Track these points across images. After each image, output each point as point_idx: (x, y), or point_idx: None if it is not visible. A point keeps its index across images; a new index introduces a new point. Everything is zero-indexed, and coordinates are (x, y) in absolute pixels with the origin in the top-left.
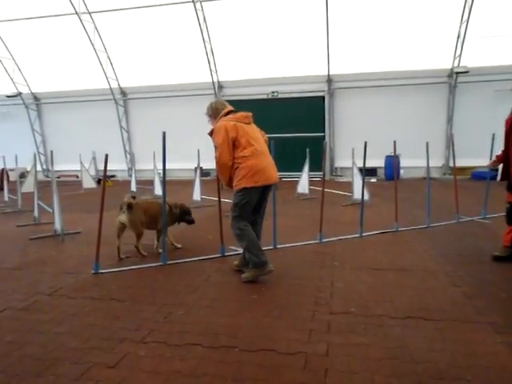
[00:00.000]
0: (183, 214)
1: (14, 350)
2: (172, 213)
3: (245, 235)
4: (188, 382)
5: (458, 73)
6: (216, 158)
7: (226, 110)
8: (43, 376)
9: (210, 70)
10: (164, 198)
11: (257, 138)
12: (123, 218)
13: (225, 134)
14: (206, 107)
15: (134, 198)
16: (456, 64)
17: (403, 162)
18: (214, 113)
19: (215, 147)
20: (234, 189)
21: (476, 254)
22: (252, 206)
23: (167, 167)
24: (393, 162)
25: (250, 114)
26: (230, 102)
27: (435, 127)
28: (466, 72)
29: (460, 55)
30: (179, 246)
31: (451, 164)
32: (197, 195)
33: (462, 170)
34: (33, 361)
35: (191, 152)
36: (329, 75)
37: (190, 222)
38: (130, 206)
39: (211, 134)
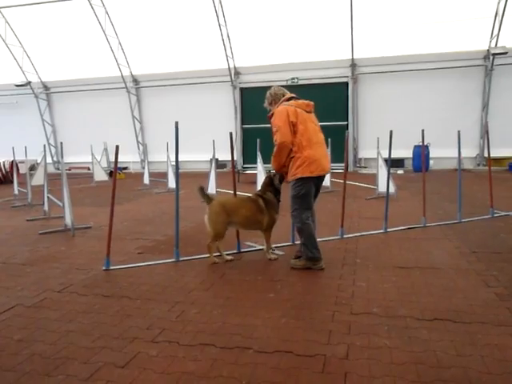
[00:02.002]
0: (274, 184)
1: (24, 349)
2: (269, 203)
3: (305, 230)
4: None
5: (494, 54)
6: (275, 140)
7: (287, 96)
8: (52, 375)
9: (226, 56)
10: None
11: (314, 127)
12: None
13: (286, 117)
14: (266, 96)
15: (202, 188)
16: (493, 44)
17: (433, 153)
18: (274, 98)
19: (274, 131)
20: (289, 180)
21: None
22: (310, 195)
23: (181, 159)
24: (421, 153)
25: (312, 102)
26: (247, 90)
27: (469, 114)
28: (504, 53)
29: (497, 35)
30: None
31: (486, 154)
32: (212, 188)
33: (498, 160)
34: (42, 359)
35: (206, 142)
36: (352, 59)
37: (282, 180)
38: (209, 202)
39: (271, 117)
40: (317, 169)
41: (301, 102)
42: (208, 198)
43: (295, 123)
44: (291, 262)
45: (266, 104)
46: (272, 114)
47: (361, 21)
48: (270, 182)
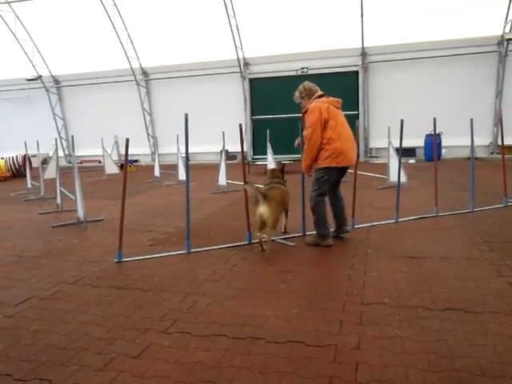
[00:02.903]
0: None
1: (39, 339)
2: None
3: (317, 209)
4: (213, 374)
5: (509, 40)
6: (306, 136)
7: (319, 93)
8: (67, 365)
9: (235, 47)
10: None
11: (343, 122)
12: (263, 209)
13: (319, 115)
14: (298, 90)
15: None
16: (507, 30)
17: (445, 141)
18: (308, 93)
19: (306, 126)
20: (317, 166)
21: None
22: (330, 182)
23: (191, 151)
24: (433, 142)
25: (341, 100)
26: (257, 80)
27: (482, 102)
28: None
29: None
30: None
31: (499, 142)
32: (222, 180)
33: None
34: (57, 350)
35: (216, 134)
36: (363, 48)
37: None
38: (265, 197)
39: (304, 113)
40: (343, 160)
41: (332, 99)
42: (265, 195)
43: (327, 119)
44: (305, 239)
45: (296, 96)
46: (306, 111)
47: (371, 8)
48: (282, 169)
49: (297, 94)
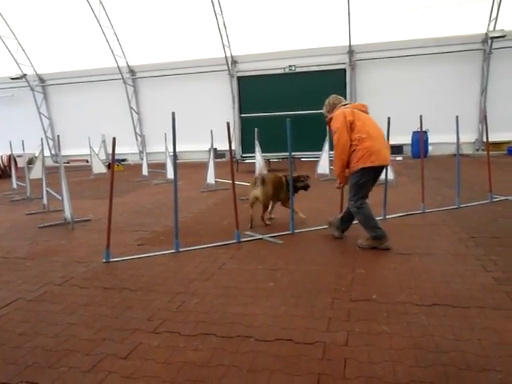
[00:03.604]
0: (295, 182)
1: (26, 342)
2: (288, 184)
3: (361, 214)
4: (202, 373)
5: (493, 38)
6: (334, 141)
7: (342, 103)
8: (55, 368)
9: (223, 45)
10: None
11: (371, 123)
12: (257, 192)
13: (343, 118)
14: (324, 104)
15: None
16: (491, 28)
17: (432, 138)
18: (332, 107)
19: (333, 134)
20: (351, 170)
21: (510, 236)
22: (368, 185)
23: (179, 149)
24: (420, 139)
25: (367, 104)
26: (245, 78)
27: (467, 99)
28: (503, 36)
29: (496, 18)
30: (304, 216)
31: (485, 139)
32: (211, 178)
33: (497, 145)
34: (44, 352)
35: (205, 132)
36: (350, 46)
37: (305, 187)
38: (263, 181)
39: (329, 122)
40: (377, 159)
41: (356, 103)
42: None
43: (352, 121)
44: (358, 242)
45: (324, 111)
46: (330, 119)
47: (358, 6)
48: (295, 179)
49: (324, 108)
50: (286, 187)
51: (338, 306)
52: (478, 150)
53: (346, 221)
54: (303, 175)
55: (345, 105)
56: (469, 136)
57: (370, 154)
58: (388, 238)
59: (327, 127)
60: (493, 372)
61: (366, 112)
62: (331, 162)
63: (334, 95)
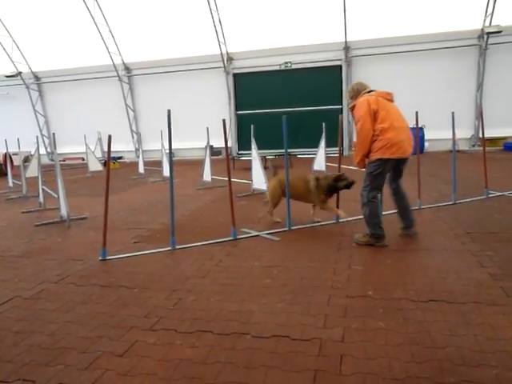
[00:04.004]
0: (336, 181)
1: (22, 340)
2: (319, 185)
3: (369, 207)
4: (199, 370)
5: (489, 33)
6: (357, 130)
7: (367, 90)
8: (51, 365)
9: (219, 42)
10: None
11: (396, 113)
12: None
13: (367, 107)
14: (347, 90)
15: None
16: (487, 23)
17: (428, 135)
18: (356, 94)
19: (356, 121)
20: (369, 159)
21: (506, 231)
22: (384, 177)
23: (176, 146)
24: (415, 135)
25: (392, 92)
26: (241, 75)
27: (463, 95)
28: (499, 32)
29: (492, 13)
30: (343, 214)
31: (481, 135)
32: (207, 175)
33: (493, 140)
34: (41, 350)
35: (201, 130)
36: (346, 42)
37: (349, 186)
38: (274, 175)
39: (352, 108)
40: (397, 151)
41: (381, 91)
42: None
43: (376, 110)
44: (354, 237)
45: (347, 97)
46: (353, 106)
47: (353, 2)
48: (336, 178)
49: (347, 93)
50: (315, 188)
51: (335, 303)
52: (474, 145)
53: (404, 216)
54: (341, 173)
55: (370, 91)
56: (465, 132)
57: (391, 145)
58: (385, 238)
59: (350, 115)
60: (488, 367)
61: (392, 100)
62: (328, 159)
63: (358, 81)
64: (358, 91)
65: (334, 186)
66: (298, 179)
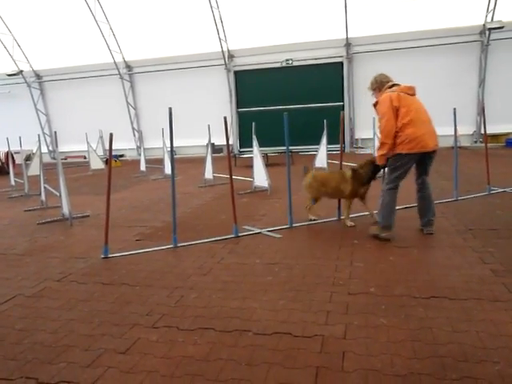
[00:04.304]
0: (375, 168)
1: (25, 338)
2: (358, 176)
3: (384, 198)
4: (201, 367)
5: (491, 29)
6: (381, 126)
7: (390, 83)
8: (54, 363)
9: (219, 39)
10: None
11: (418, 107)
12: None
13: (389, 104)
14: (370, 81)
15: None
16: (489, 19)
17: None
18: (379, 86)
19: (379, 118)
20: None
21: (508, 228)
22: (405, 171)
23: (177, 144)
24: None
25: (414, 86)
26: (242, 72)
27: (465, 91)
28: (501, 28)
29: (494, 9)
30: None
31: (483, 131)
32: (209, 173)
33: (496, 137)
34: (44, 348)
35: (202, 127)
36: (347, 39)
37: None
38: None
39: (375, 105)
40: (416, 146)
41: (403, 86)
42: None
43: (398, 107)
44: (369, 230)
45: (370, 88)
46: (376, 103)
47: None
48: (372, 163)
49: (369, 85)
50: (351, 180)
51: (337, 300)
52: (476, 142)
53: (424, 212)
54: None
55: (392, 86)
56: (467, 128)
57: (410, 140)
58: (392, 230)
59: (373, 110)
60: (490, 363)
61: (414, 94)
62: (329, 156)
63: (381, 73)
64: (382, 83)
65: (374, 172)
66: (333, 172)
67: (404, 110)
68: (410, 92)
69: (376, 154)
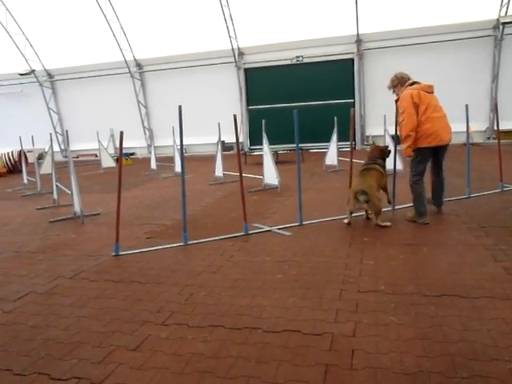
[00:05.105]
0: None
1: (38, 334)
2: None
3: (414, 188)
4: (210, 364)
5: (504, 23)
6: (403, 122)
7: (410, 81)
8: (66, 359)
9: (229, 37)
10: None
11: (435, 104)
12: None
13: (410, 100)
14: (390, 79)
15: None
16: (503, 13)
17: None
18: (400, 81)
19: (400, 112)
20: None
21: None
22: (425, 163)
23: (187, 142)
24: None
25: (433, 84)
26: (252, 70)
27: (478, 87)
28: None
29: (508, 2)
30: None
31: (496, 127)
32: (219, 171)
33: (509, 133)
34: (56, 344)
35: (212, 125)
36: (358, 35)
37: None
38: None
39: (397, 101)
40: (433, 140)
41: (423, 84)
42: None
43: (418, 104)
44: (406, 215)
45: (389, 85)
46: (398, 99)
47: None
48: (381, 151)
49: (389, 83)
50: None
51: (346, 298)
52: (489, 138)
53: (437, 195)
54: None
55: (412, 84)
56: (480, 124)
57: (427, 135)
58: (427, 216)
59: (395, 106)
60: (502, 362)
61: (432, 92)
62: (340, 153)
63: (400, 71)
64: (403, 79)
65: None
66: (368, 169)
67: (423, 107)
68: (429, 90)
69: (403, 150)
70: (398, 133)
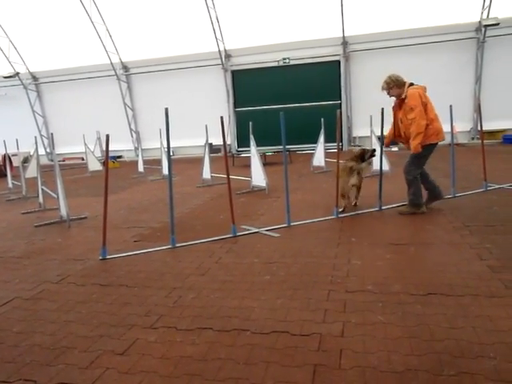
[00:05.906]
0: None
1: (23, 340)
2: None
3: (415, 183)
4: (199, 367)
5: (486, 26)
6: (417, 118)
7: (408, 82)
8: (53, 365)
9: (216, 39)
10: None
11: (433, 104)
12: (355, 180)
13: (419, 98)
14: (385, 81)
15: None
16: (485, 16)
17: None
18: (396, 83)
19: (409, 110)
20: (421, 145)
21: (504, 224)
22: (428, 158)
23: (175, 145)
24: None
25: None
26: (239, 72)
27: (462, 88)
28: (496, 24)
29: (489, 6)
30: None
31: (479, 128)
32: (207, 173)
33: (492, 133)
34: (42, 350)
35: (200, 127)
36: (344, 37)
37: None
38: (359, 173)
39: (401, 101)
40: (441, 136)
41: (421, 86)
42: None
43: (425, 103)
44: (399, 209)
45: (384, 87)
46: (403, 98)
47: None
48: (361, 154)
49: (384, 85)
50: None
51: (334, 298)
52: (473, 138)
53: (432, 190)
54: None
55: (411, 84)
56: (464, 125)
57: (438, 132)
58: (424, 206)
59: (391, 108)
60: (487, 359)
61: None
62: (327, 154)
63: (392, 73)
64: (398, 81)
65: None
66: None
67: (430, 105)
68: (426, 90)
69: (413, 146)
70: (401, 132)
